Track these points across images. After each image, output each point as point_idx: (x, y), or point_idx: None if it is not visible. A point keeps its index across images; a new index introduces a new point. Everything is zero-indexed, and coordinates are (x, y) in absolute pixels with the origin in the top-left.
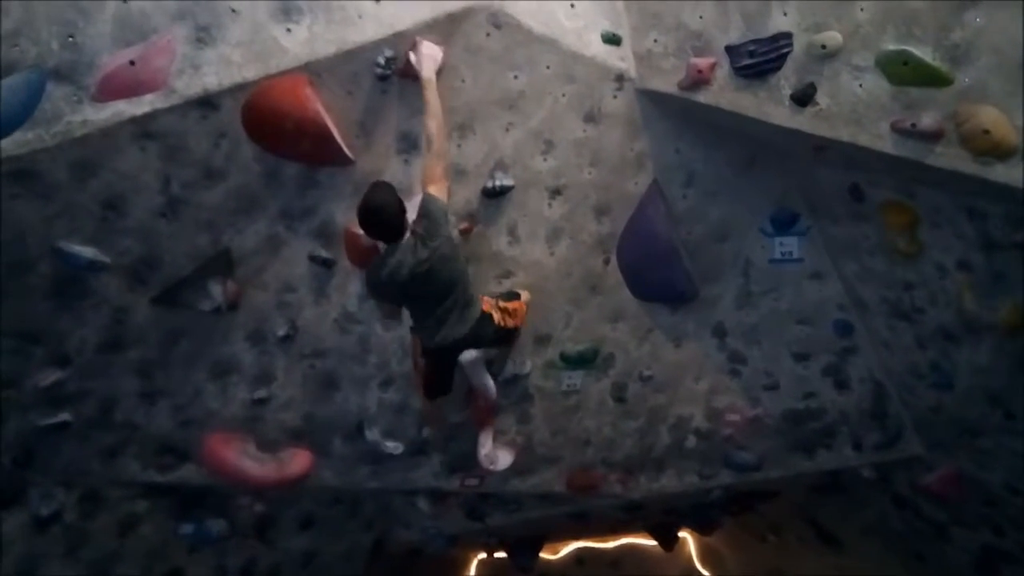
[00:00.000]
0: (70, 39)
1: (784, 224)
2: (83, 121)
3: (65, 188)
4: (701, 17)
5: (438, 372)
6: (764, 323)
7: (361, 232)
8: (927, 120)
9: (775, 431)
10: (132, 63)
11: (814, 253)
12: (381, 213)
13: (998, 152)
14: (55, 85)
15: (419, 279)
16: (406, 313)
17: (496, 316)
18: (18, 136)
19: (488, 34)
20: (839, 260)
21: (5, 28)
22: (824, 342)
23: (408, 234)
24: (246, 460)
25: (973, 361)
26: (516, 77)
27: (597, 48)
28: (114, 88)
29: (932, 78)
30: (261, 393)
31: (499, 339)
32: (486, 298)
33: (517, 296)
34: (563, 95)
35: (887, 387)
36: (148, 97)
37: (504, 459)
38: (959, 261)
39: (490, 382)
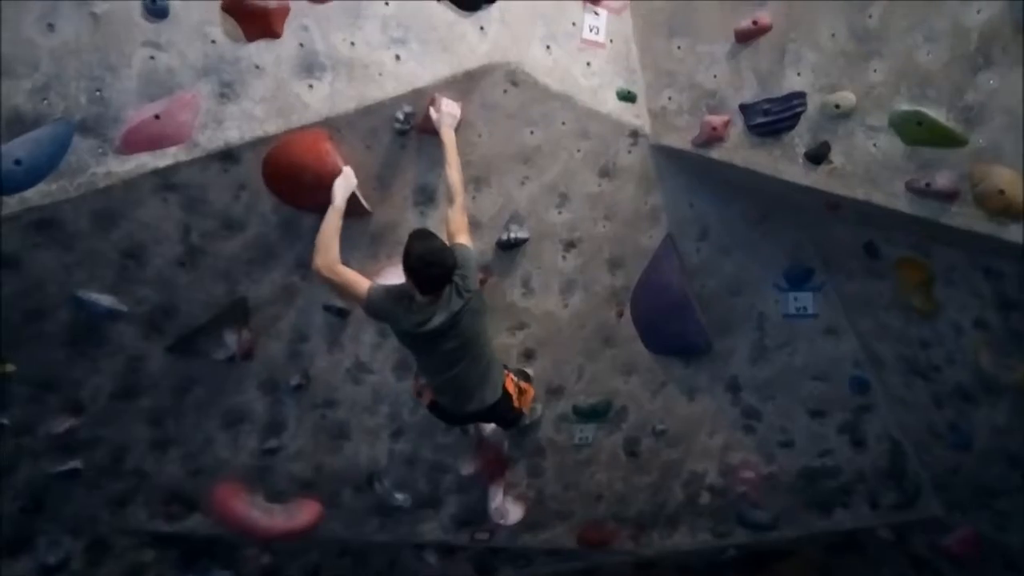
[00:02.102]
0: (97, 93)
1: (798, 279)
2: (107, 173)
3: (86, 237)
4: (715, 76)
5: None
6: (779, 378)
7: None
8: (942, 180)
9: (790, 489)
10: (157, 117)
11: (829, 309)
12: (441, 262)
13: (1012, 212)
14: (81, 138)
15: (446, 330)
16: None
17: (515, 398)
18: (43, 187)
19: (505, 91)
20: (854, 316)
21: (35, 82)
22: (840, 399)
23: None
24: (254, 511)
25: (991, 421)
26: (532, 132)
27: (612, 105)
28: (139, 141)
29: (946, 139)
30: (272, 443)
31: (508, 420)
32: (511, 376)
33: (528, 378)
34: (578, 150)
35: (904, 446)
36: (171, 150)
37: (514, 513)
38: (975, 320)
39: (501, 434)
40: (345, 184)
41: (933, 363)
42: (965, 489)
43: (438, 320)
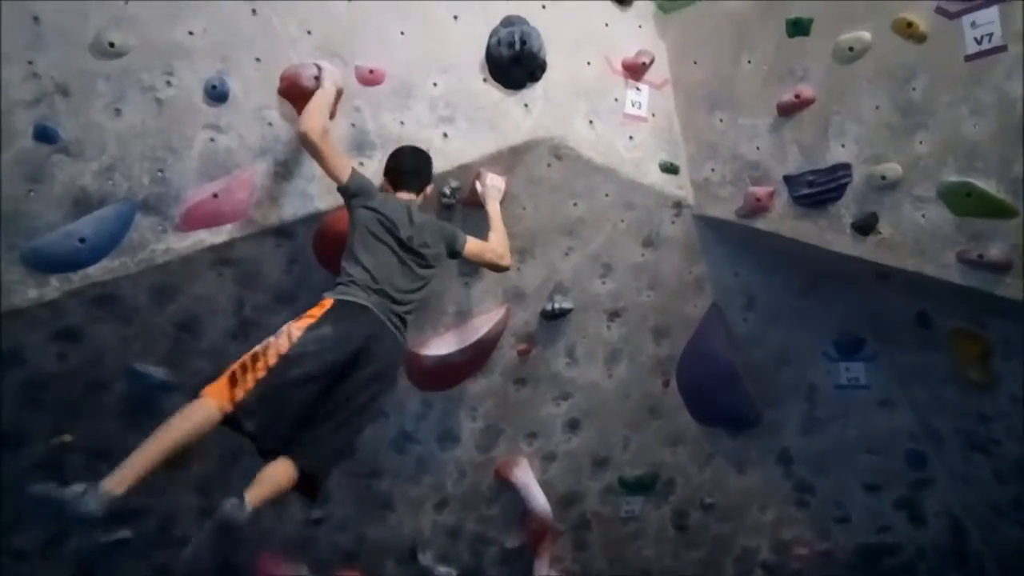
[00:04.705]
0: (160, 174)
1: (849, 349)
2: (166, 249)
3: (144, 311)
4: (758, 148)
5: (294, 382)
6: (832, 451)
7: (422, 353)
8: (995, 251)
9: (848, 566)
10: (215, 195)
11: (882, 380)
12: (428, 159)
13: None
14: (143, 216)
15: (405, 241)
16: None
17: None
18: (105, 263)
19: (549, 165)
20: (909, 388)
21: (102, 164)
22: (896, 473)
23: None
24: None
25: None
26: (576, 204)
27: (655, 177)
28: (197, 218)
29: (996, 209)
30: (316, 513)
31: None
32: None
33: None
34: (622, 221)
35: (966, 523)
36: (228, 226)
37: None
38: None
39: (544, 502)
40: (335, 75)
41: (993, 437)
42: None
43: (407, 229)
